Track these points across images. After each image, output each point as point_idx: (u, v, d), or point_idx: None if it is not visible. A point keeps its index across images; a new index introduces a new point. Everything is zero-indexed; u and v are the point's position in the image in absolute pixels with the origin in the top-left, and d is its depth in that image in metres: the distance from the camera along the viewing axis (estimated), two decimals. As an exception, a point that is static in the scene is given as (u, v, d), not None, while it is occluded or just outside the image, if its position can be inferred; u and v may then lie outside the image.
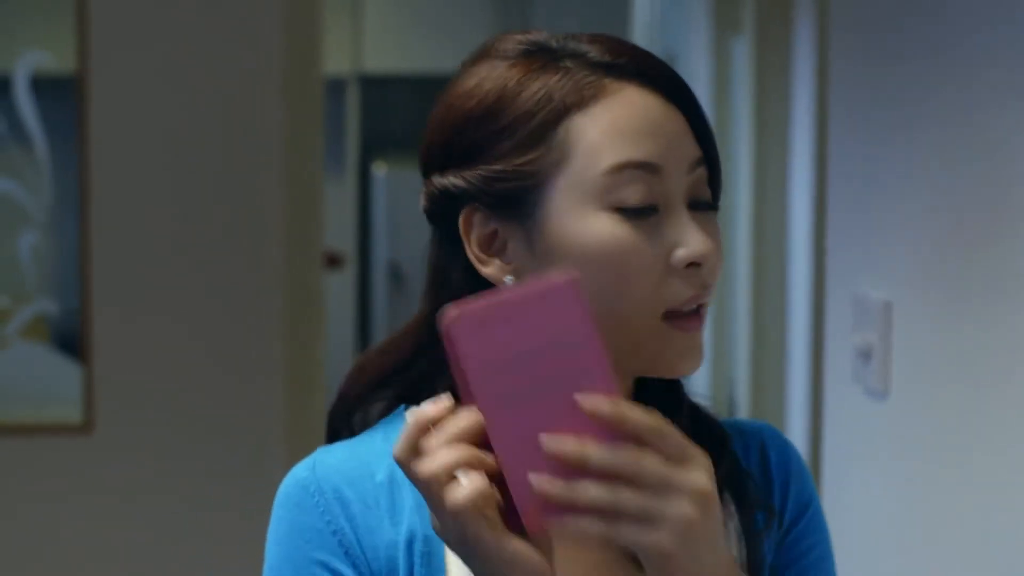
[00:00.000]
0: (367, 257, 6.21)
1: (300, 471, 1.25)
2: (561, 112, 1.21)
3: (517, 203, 1.23)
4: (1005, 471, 1.69)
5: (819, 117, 3.74)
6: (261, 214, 3.15)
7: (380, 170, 6.12)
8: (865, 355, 1.99)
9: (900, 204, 1.92)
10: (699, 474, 1.10)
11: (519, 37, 1.27)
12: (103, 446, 3.17)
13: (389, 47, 6.12)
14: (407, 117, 6.50)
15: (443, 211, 1.26)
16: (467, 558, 1.10)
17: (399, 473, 1.24)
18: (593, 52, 1.24)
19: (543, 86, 1.22)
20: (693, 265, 1.20)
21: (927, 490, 1.89)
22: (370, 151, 6.21)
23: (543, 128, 1.22)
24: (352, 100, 6.05)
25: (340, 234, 5.84)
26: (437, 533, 1.11)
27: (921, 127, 1.87)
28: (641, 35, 5.58)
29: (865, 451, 2.07)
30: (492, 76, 1.25)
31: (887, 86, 1.97)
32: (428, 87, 6.45)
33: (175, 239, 3.14)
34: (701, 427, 1.32)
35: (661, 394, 1.30)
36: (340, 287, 5.90)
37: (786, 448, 1.38)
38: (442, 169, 1.26)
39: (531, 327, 1.07)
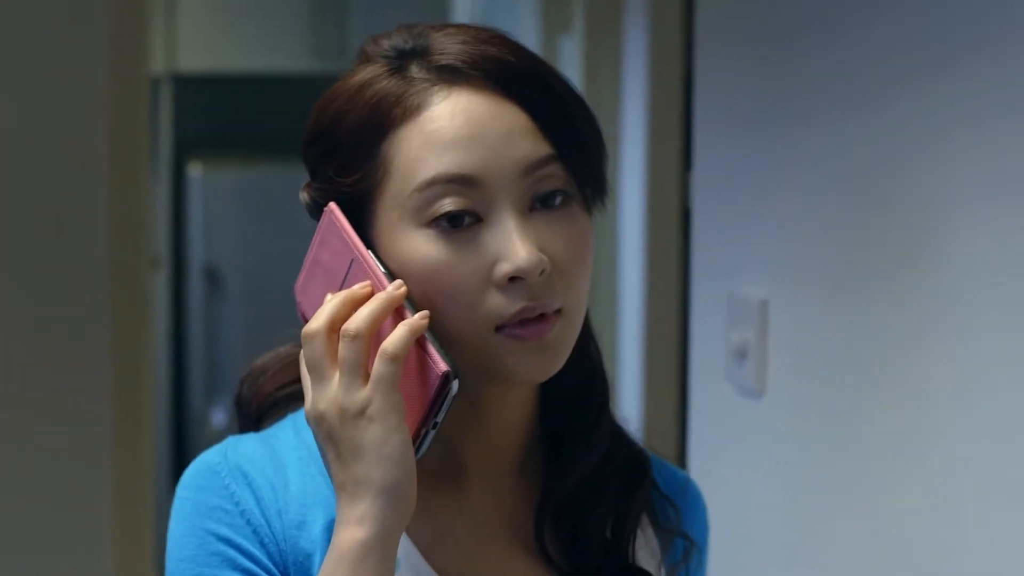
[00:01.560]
0: (182, 259, 6.09)
1: (211, 455, 1.24)
2: (385, 128, 1.19)
3: (355, 223, 1.21)
4: (880, 469, 1.71)
5: (650, 117, 3.76)
6: (84, 218, 3.04)
7: (195, 170, 6.00)
8: (740, 354, 1.99)
9: (775, 203, 1.93)
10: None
11: (383, 41, 1.24)
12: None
13: (203, 46, 6.01)
14: (222, 117, 6.39)
15: (318, 215, 1.26)
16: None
17: (310, 466, 1.24)
18: (439, 50, 1.21)
19: (373, 99, 1.20)
20: (517, 279, 1.16)
21: (802, 487, 1.90)
22: (184, 151, 6.09)
23: (367, 146, 1.19)
24: (166, 100, 5.92)
25: (154, 236, 5.72)
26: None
27: (795, 125, 1.88)
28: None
29: (738, 449, 2.08)
30: (340, 89, 1.23)
31: (759, 84, 1.98)
32: (243, 87, 6.40)
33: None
34: (621, 448, 1.32)
35: (577, 410, 1.29)
36: (154, 290, 5.78)
37: (694, 503, 1.41)
38: (310, 176, 1.26)
39: (331, 256, 1.22)
